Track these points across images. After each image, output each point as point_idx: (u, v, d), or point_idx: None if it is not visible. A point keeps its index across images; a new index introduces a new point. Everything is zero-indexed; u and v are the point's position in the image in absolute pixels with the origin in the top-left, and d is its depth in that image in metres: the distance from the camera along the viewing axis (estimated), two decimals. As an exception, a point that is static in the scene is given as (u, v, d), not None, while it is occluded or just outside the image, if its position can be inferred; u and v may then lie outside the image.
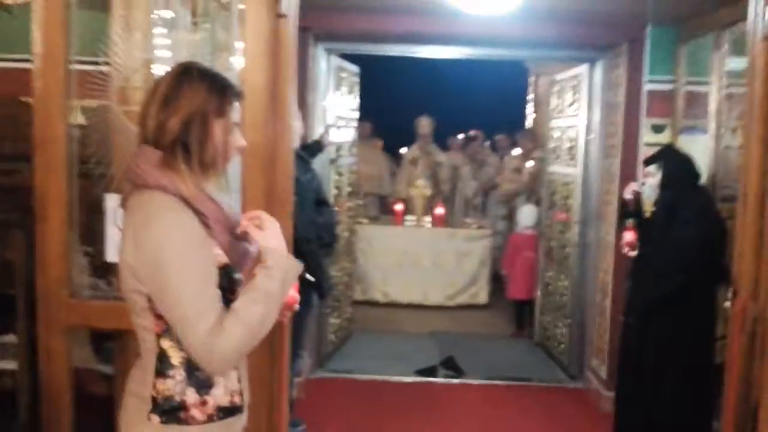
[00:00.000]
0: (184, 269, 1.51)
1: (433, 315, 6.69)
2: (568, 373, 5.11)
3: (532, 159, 7.13)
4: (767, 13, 2.26)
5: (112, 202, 2.21)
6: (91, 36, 2.32)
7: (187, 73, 1.61)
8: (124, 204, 1.65)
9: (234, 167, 2.08)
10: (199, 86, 1.59)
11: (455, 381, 5.00)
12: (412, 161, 8.14)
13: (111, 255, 2.21)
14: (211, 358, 1.52)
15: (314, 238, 3.58)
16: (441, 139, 8.56)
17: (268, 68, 2.17)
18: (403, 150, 8.44)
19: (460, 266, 6.94)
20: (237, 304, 1.58)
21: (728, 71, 3.77)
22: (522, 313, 6.20)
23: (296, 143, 3.70)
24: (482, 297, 6.97)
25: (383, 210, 8.52)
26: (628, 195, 3.64)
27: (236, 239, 1.67)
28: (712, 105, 3.86)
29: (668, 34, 4.22)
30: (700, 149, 3.81)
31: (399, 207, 7.34)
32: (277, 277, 1.61)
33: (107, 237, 2.23)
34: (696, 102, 4.11)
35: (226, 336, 1.52)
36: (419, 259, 6.94)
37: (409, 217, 7.29)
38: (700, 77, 4.04)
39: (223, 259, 1.61)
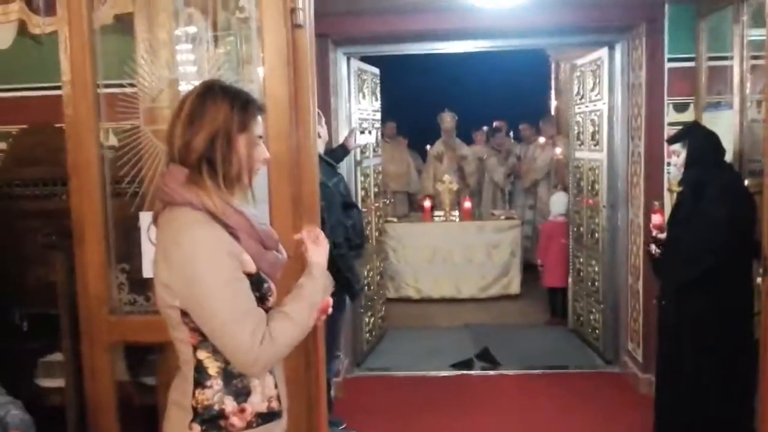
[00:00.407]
0: (217, 280, 1.56)
1: (466, 308, 6.72)
2: (604, 358, 5.09)
3: (556, 145, 7.12)
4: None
5: (146, 219, 2.28)
6: (118, 59, 2.39)
7: (209, 92, 1.66)
8: (155, 222, 1.71)
9: (260, 178, 2.12)
10: (221, 103, 1.63)
11: (491, 372, 5.02)
12: (437, 157, 8.16)
13: (147, 271, 2.28)
14: (257, 361, 1.57)
15: (343, 241, 3.63)
16: (465, 132, 8.56)
17: (288, 79, 2.21)
18: (428, 147, 8.46)
19: (490, 258, 6.96)
20: (288, 308, 1.67)
21: (750, 43, 3.72)
22: (556, 300, 6.18)
23: (321, 149, 3.76)
24: (514, 287, 6.98)
25: (412, 207, 8.56)
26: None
27: (265, 249, 1.71)
28: (736, 79, 3.80)
29: (686, 10, 4.17)
30: (725, 125, 3.76)
31: (427, 203, 7.37)
32: (320, 290, 1.76)
33: (143, 253, 2.29)
34: (719, 77, 4.06)
35: (276, 339, 1.59)
36: (450, 253, 6.97)
37: (437, 213, 7.31)
38: (721, 52, 3.99)
39: (252, 266, 1.65)
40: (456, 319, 6.39)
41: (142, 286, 2.33)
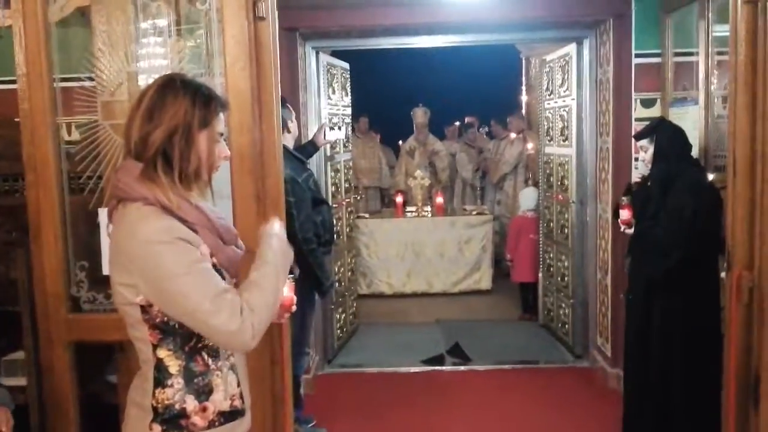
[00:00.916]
0: (179, 266, 1.52)
1: (438, 303, 6.74)
2: (573, 353, 5.13)
3: (526, 141, 7.16)
4: (748, -23, 2.24)
5: (104, 215, 2.23)
6: (76, 53, 2.34)
7: (170, 86, 1.62)
8: (110, 218, 1.67)
9: (223, 172, 2.09)
10: (182, 98, 1.60)
11: (462, 368, 5.03)
12: (410, 152, 8.17)
13: (107, 268, 2.23)
14: (244, 335, 1.54)
15: (313, 237, 3.60)
16: (438, 128, 8.57)
17: (250, 72, 2.18)
18: (401, 143, 8.46)
19: (462, 253, 6.99)
20: (254, 276, 1.65)
21: (715, 39, 3.76)
22: (527, 296, 6.21)
23: (291, 144, 3.72)
24: (485, 282, 7.02)
25: (384, 203, 8.57)
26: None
27: (224, 243, 1.69)
28: (701, 75, 3.84)
29: (653, 6, 4.20)
30: (691, 120, 3.80)
31: (399, 199, 7.37)
32: (279, 253, 1.73)
33: (103, 250, 2.25)
34: (685, 73, 4.10)
35: (255, 308, 1.57)
36: (422, 248, 6.99)
37: (409, 208, 7.32)
38: (687, 48, 4.03)
39: (210, 258, 1.63)
40: (427, 314, 6.39)
41: (101, 284, 2.28)
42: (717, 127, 3.77)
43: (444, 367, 5.05)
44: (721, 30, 3.70)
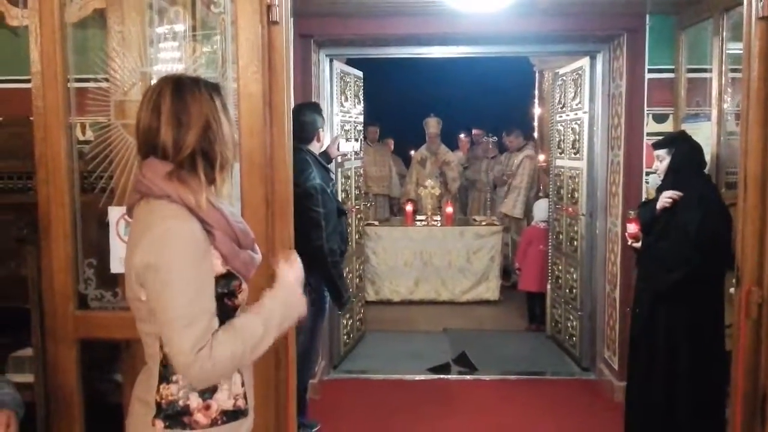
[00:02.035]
0: (182, 275, 1.54)
1: (445, 312, 6.73)
2: (580, 365, 5.11)
3: (527, 155, 7.18)
4: (763, -7, 2.24)
5: (114, 214, 2.26)
6: (92, 54, 2.36)
7: (182, 86, 1.65)
8: (129, 213, 1.71)
9: (233, 175, 2.11)
10: (199, 94, 1.64)
11: (468, 377, 5.01)
12: (421, 161, 8.18)
13: (115, 266, 2.25)
14: (192, 367, 1.53)
15: (338, 249, 3.61)
16: (449, 138, 8.59)
17: (263, 76, 2.19)
18: (412, 152, 8.48)
19: (470, 263, 6.99)
20: (238, 321, 1.64)
21: (729, 56, 3.75)
22: (534, 306, 6.20)
23: (317, 153, 3.74)
24: (493, 293, 7.01)
25: (393, 211, 8.58)
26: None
27: (240, 247, 1.70)
28: (714, 91, 3.83)
29: (667, 22, 4.21)
30: (703, 137, 3.79)
31: (409, 207, 7.39)
32: (281, 308, 1.72)
33: (111, 249, 2.26)
34: (698, 89, 4.10)
35: (218, 348, 1.55)
36: (430, 257, 6.99)
37: (419, 217, 7.33)
38: (701, 64, 4.03)
39: (219, 269, 1.64)
40: (435, 323, 6.39)
41: (109, 282, 2.30)
42: (729, 144, 3.76)
43: (450, 376, 5.04)
44: (735, 47, 3.69)
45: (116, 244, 2.25)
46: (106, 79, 2.32)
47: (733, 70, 3.72)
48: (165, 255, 1.54)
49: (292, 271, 1.81)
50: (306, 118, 3.62)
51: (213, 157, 1.65)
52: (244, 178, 2.20)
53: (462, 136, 9.07)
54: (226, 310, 1.67)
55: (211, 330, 1.56)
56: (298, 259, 1.86)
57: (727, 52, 3.75)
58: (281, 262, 1.82)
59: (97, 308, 2.31)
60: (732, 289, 2.57)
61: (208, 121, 1.63)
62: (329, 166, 4.24)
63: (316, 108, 3.83)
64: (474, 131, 8.85)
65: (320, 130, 3.73)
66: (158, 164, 1.62)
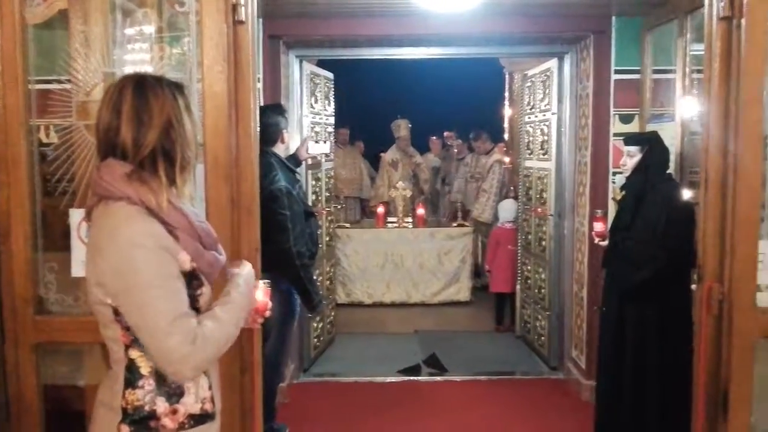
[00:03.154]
0: (152, 275, 1.52)
1: (416, 314, 6.75)
2: (549, 365, 5.15)
3: (496, 159, 7.23)
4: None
5: (76, 217, 2.22)
6: (57, 55, 2.32)
7: (144, 84, 1.63)
8: (88, 217, 1.67)
9: (197, 176, 2.09)
10: (161, 93, 1.62)
11: (438, 378, 5.02)
12: (392, 164, 8.19)
13: (77, 270, 2.21)
14: (186, 364, 1.53)
15: (306, 252, 3.58)
16: (420, 140, 8.61)
17: (228, 75, 2.17)
18: (382, 154, 8.49)
19: (441, 264, 7.01)
20: (218, 312, 1.64)
21: (692, 57, 3.81)
22: (502, 307, 6.24)
23: (282, 155, 3.71)
24: (464, 294, 7.05)
25: (364, 213, 8.58)
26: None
27: (204, 248, 1.68)
28: (678, 92, 3.90)
29: (633, 23, 4.27)
30: (668, 137, 3.85)
31: (381, 209, 7.39)
32: (243, 294, 1.77)
33: (72, 252, 2.22)
34: (663, 90, 4.16)
35: (208, 341, 1.56)
36: (402, 259, 7.00)
37: (390, 219, 7.34)
38: (666, 65, 4.09)
39: (187, 265, 1.62)
40: (406, 324, 6.40)
41: (71, 286, 2.26)
42: (692, 144, 3.82)
43: (420, 378, 5.04)
44: (699, 49, 3.75)
45: (77, 248, 2.21)
46: (69, 80, 2.28)
47: (697, 71, 3.77)
48: (130, 259, 1.52)
49: (245, 267, 1.88)
50: (269, 119, 3.58)
51: (174, 157, 1.63)
52: (208, 179, 2.17)
53: (434, 138, 9.11)
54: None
55: (194, 320, 1.57)
56: (266, 299, 1.93)
57: (691, 53, 3.82)
58: (239, 265, 1.89)
59: (57, 312, 2.26)
60: (694, 286, 2.62)
61: (170, 120, 1.61)
62: (299, 168, 4.22)
63: (279, 109, 3.80)
64: (446, 134, 8.89)
65: (284, 131, 3.70)
66: (117, 165, 1.59)
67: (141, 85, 1.62)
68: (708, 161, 2.40)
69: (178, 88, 1.68)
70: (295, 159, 4.03)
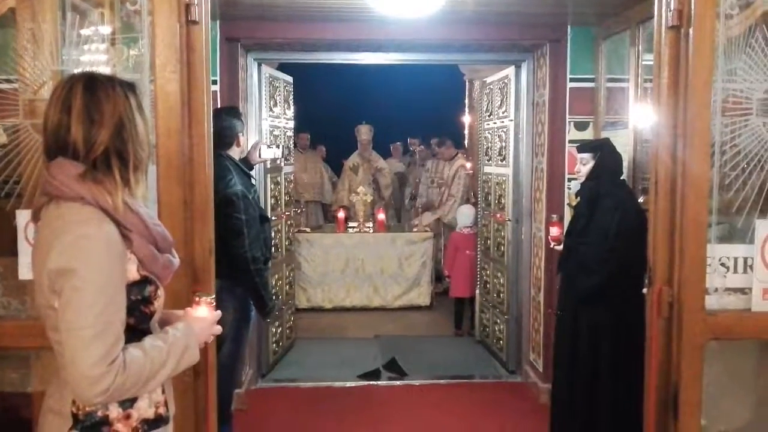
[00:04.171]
0: (94, 283, 1.47)
1: (377, 318, 6.75)
2: (507, 369, 5.21)
3: (461, 164, 7.30)
4: (672, 3, 2.33)
5: (23, 218, 2.16)
6: (5, 53, 2.27)
7: (95, 83, 1.59)
8: (35, 217, 1.62)
9: (149, 177, 2.06)
10: (113, 92, 1.59)
11: (398, 383, 5.03)
12: (353, 168, 8.19)
13: (23, 272, 2.16)
14: (95, 387, 1.45)
15: (261, 257, 3.54)
16: (381, 146, 8.64)
17: (181, 76, 2.15)
18: (344, 161, 8.48)
19: (402, 269, 7.02)
20: (147, 342, 1.58)
21: (644, 66, 3.90)
22: (462, 311, 6.28)
23: (237, 158, 3.67)
24: (425, 298, 7.07)
25: (326, 218, 8.56)
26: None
27: (159, 251, 1.65)
28: (631, 100, 3.99)
29: (588, 32, 4.35)
30: (621, 144, 3.92)
31: (341, 214, 7.37)
32: (184, 343, 1.65)
33: (20, 255, 2.16)
34: (617, 98, 4.24)
35: (132, 363, 1.50)
36: (362, 264, 7.00)
37: (351, 224, 7.33)
38: (619, 74, 4.18)
39: (134, 275, 1.59)
40: (366, 329, 6.39)
41: (17, 290, 2.20)
42: (645, 151, 3.90)
43: (380, 382, 5.04)
44: (650, 58, 3.82)
45: (24, 249, 2.15)
46: (17, 79, 2.22)
47: (649, 80, 3.84)
48: (79, 260, 1.47)
49: (201, 319, 1.77)
50: (224, 123, 3.54)
51: (127, 158, 1.59)
52: (161, 180, 2.15)
53: (396, 143, 9.15)
54: (141, 318, 1.63)
55: (121, 342, 1.50)
56: (211, 314, 1.80)
57: (643, 62, 3.91)
58: (197, 307, 1.78)
59: (4, 317, 2.20)
60: (644, 290, 2.67)
61: (122, 119, 1.58)
62: (251, 172, 4.18)
63: (234, 112, 3.76)
64: (410, 140, 8.94)
65: (239, 134, 3.66)
66: (68, 164, 1.55)
67: (91, 83, 1.59)
68: (658, 167, 2.45)
69: (130, 87, 1.65)
70: (246, 163, 3.98)
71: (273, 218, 4.98)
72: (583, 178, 3.59)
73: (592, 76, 4.36)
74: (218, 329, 1.83)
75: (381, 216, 7.39)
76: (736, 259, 2.44)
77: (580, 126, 4.39)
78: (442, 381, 5.02)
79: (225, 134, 3.54)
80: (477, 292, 5.95)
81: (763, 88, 2.40)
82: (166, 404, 1.70)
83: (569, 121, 4.40)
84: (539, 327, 4.68)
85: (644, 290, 2.67)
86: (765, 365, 2.75)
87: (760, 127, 2.40)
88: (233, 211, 3.36)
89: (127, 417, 1.62)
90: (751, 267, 2.41)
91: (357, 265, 6.99)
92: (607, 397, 3.46)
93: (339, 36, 4.44)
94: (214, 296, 1.88)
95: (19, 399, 2.80)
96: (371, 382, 5.02)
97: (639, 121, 3.91)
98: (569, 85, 4.40)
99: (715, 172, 2.38)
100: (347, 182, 8.17)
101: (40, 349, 1.74)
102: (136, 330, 1.62)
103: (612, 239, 3.35)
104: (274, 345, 5.23)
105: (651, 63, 3.73)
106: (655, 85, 2.48)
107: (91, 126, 1.55)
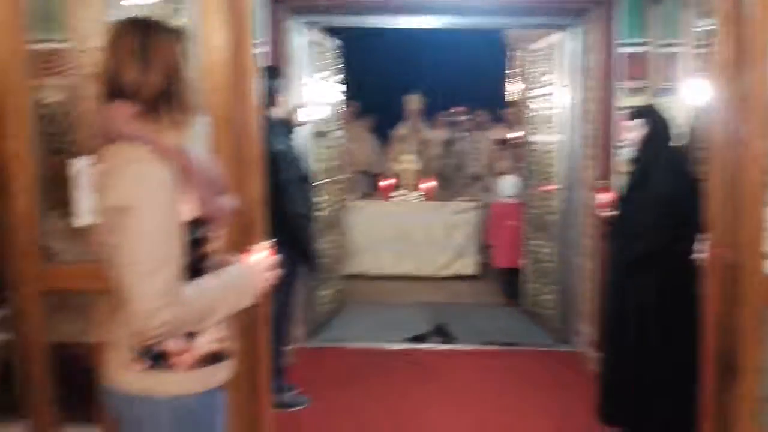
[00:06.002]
0: (152, 218, 1.51)
1: (424, 287, 6.78)
2: (556, 337, 5.17)
3: (502, 132, 7.23)
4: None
5: (77, 165, 2.24)
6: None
7: (149, 26, 1.64)
8: (94, 158, 1.67)
9: (202, 128, 2.12)
10: (165, 36, 1.64)
11: (445, 347, 5.06)
12: (402, 138, 8.18)
13: (81, 218, 2.24)
14: (152, 320, 1.49)
15: (304, 213, 3.62)
16: (428, 115, 8.58)
17: (227, 27, 2.17)
18: (391, 129, 8.47)
19: (449, 238, 7.02)
20: (203, 281, 1.62)
21: (698, 32, 3.78)
22: (511, 282, 6.25)
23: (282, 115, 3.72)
24: (471, 268, 7.06)
25: (374, 187, 8.58)
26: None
27: (212, 193, 1.68)
28: (684, 66, 3.87)
29: (640, -4, 4.23)
30: (674, 110, 3.84)
31: (389, 183, 7.39)
32: (246, 285, 1.70)
33: (75, 201, 2.25)
34: (670, 63, 4.12)
35: (183, 301, 1.53)
36: (410, 232, 7.04)
37: (399, 192, 7.35)
38: (673, 39, 4.06)
39: (189, 216, 1.62)
40: (414, 297, 6.44)
41: (74, 234, 2.29)
42: (699, 118, 3.80)
43: (427, 345, 5.09)
44: (704, 24, 3.72)
45: (79, 196, 2.24)
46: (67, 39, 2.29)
47: (702, 46, 3.75)
48: (136, 197, 1.51)
49: (257, 262, 1.78)
50: (265, 82, 3.59)
51: (179, 100, 1.64)
52: (213, 135, 2.19)
53: (445, 113, 9.05)
54: (196, 258, 1.66)
55: (179, 277, 1.54)
56: (268, 259, 1.81)
57: (697, 28, 3.78)
58: (254, 253, 1.80)
59: (61, 261, 2.30)
60: (701, 254, 2.61)
61: (173, 62, 1.63)
62: (297, 134, 4.23)
63: (275, 72, 3.80)
64: (456, 109, 8.84)
65: (279, 95, 3.70)
66: (124, 106, 1.60)
67: (144, 27, 1.63)
68: (715, 131, 2.38)
69: (178, 32, 1.68)
70: (287, 123, 4.03)
71: (321, 181, 5.01)
72: (633, 145, 3.52)
73: (644, 41, 4.24)
74: (275, 274, 1.84)
75: (429, 184, 7.38)
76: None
77: (632, 92, 4.29)
78: (489, 347, 5.03)
79: (265, 93, 3.59)
80: (522, 262, 5.91)
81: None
82: (225, 341, 1.74)
83: (619, 88, 4.30)
84: (590, 296, 4.63)
85: (696, 255, 2.62)
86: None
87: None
88: (275, 169, 3.42)
89: (187, 351, 1.65)
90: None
91: (404, 234, 7.03)
92: (656, 360, 3.42)
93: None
94: (270, 243, 1.88)
95: (78, 349, 2.94)
96: (419, 345, 5.07)
97: (693, 87, 3.80)
98: (620, 50, 4.28)
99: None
100: (395, 152, 8.17)
101: (101, 293, 1.80)
102: (192, 270, 1.64)
103: (663, 205, 3.30)
104: (323, 307, 5.32)
105: (705, 29, 3.67)
106: (714, 51, 2.39)
107: (145, 68, 1.59)
